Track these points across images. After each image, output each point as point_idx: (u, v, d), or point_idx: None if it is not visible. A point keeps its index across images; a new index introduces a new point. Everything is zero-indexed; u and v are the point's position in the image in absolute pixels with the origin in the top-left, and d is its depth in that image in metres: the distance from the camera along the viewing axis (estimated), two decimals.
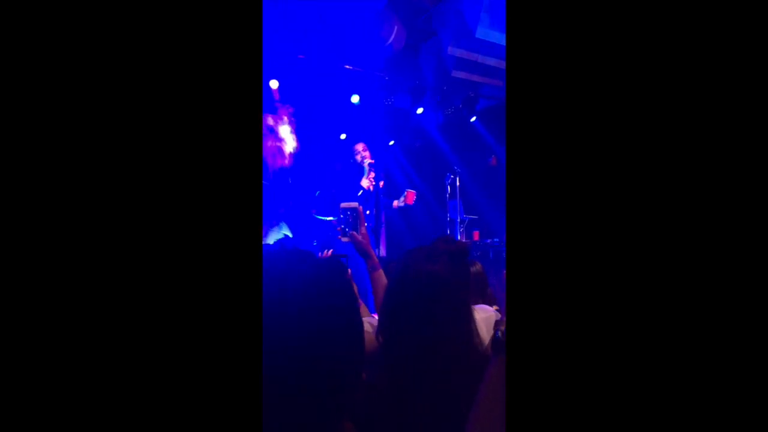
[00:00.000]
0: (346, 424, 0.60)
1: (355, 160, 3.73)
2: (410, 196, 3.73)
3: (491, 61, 3.95)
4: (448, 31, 3.77)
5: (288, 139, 4.34)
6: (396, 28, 3.73)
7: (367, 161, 3.60)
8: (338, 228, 1.43)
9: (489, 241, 3.96)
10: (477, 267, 1.68)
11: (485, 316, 1.18)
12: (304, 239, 4.20)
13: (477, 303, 1.27)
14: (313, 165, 4.77)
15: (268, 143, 4.29)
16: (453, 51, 3.80)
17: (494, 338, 0.72)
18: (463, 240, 3.85)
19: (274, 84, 4.02)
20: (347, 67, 4.13)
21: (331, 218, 4.08)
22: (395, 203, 3.83)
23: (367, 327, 1.09)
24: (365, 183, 3.58)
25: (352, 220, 1.41)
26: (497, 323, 0.75)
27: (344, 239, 1.42)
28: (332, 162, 4.85)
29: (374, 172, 3.61)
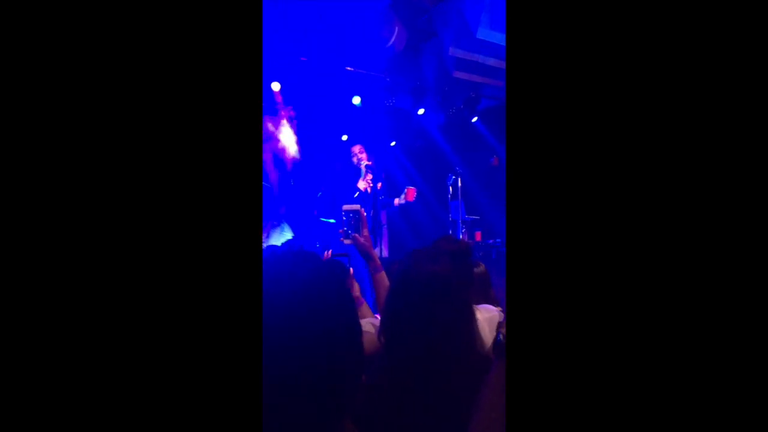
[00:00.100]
0: (347, 424, 0.60)
1: (352, 162, 3.76)
2: (411, 192, 3.75)
3: (492, 62, 3.95)
4: (449, 32, 3.77)
5: (290, 141, 4.36)
6: (397, 29, 3.74)
7: (364, 163, 3.62)
8: (340, 230, 1.43)
9: (491, 241, 3.95)
10: (481, 268, 1.68)
11: (488, 317, 1.17)
12: (305, 240, 4.20)
13: (481, 304, 1.27)
14: (314, 166, 4.78)
15: (271, 146, 4.31)
16: (454, 51, 3.81)
17: (496, 341, 0.72)
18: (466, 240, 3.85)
19: (275, 86, 4.02)
20: (348, 68, 4.14)
21: (333, 221, 4.10)
22: (396, 201, 3.86)
23: (369, 328, 1.09)
24: (362, 185, 3.60)
25: (354, 222, 1.41)
26: (500, 325, 0.75)
27: (346, 241, 1.42)
28: (334, 163, 4.85)
29: (372, 173, 3.63)
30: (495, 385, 0.69)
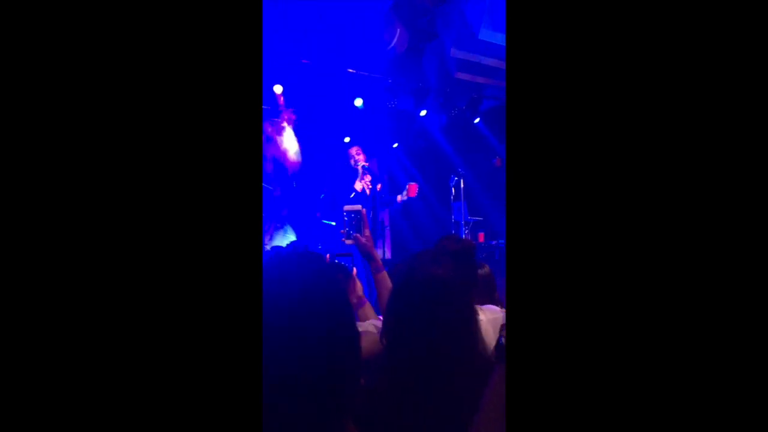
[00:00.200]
0: (348, 425, 0.60)
1: (350, 164, 3.79)
2: (412, 188, 3.78)
3: (494, 63, 3.95)
4: (451, 33, 3.78)
5: (292, 144, 4.37)
6: (398, 30, 3.75)
7: (361, 164, 3.66)
8: (342, 231, 1.43)
9: (494, 242, 3.95)
10: (485, 269, 1.67)
11: (492, 317, 1.17)
12: (308, 242, 4.21)
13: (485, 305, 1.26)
14: (317, 168, 4.79)
15: (272, 148, 4.32)
16: (456, 53, 3.81)
17: (498, 344, 0.71)
18: None
19: (278, 89, 4.03)
20: (350, 70, 4.15)
21: (333, 223, 4.11)
22: (399, 197, 3.89)
23: (372, 329, 1.09)
24: (358, 186, 3.63)
25: (356, 222, 1.41)
26: (503, 327, 0.74)
27: (348, 242, 1.42)
28: (336, 165, 4.87)
29: (370, 175, 3.66)
30: (497, 387, 0.68)
